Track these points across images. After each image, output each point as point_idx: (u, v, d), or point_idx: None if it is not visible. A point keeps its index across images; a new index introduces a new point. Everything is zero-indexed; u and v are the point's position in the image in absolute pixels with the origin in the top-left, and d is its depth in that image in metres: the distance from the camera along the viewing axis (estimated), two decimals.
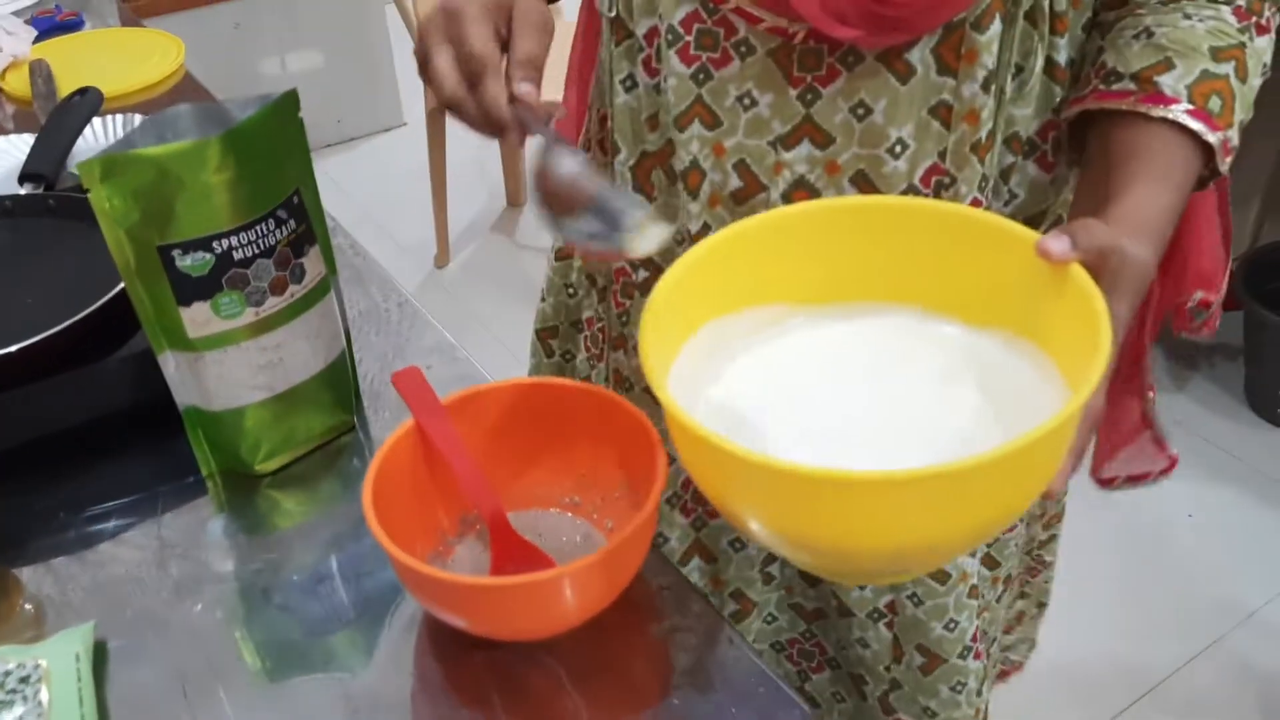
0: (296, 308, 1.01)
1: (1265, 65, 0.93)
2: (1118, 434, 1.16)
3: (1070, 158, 1.01)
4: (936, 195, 0.96)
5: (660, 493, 0.86)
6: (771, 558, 1.23)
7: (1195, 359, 2.83)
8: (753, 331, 0.85)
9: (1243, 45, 0.90)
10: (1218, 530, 2.43)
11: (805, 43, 0.92)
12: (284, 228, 0.98)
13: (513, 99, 0.85)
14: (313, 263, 1.01)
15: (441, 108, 0.90)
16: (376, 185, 3.77)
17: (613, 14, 1.03)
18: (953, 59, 0.91)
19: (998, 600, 1.27)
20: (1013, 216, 0.93)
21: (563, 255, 1.21)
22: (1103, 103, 0.91)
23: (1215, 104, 0.88)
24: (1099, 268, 0.76)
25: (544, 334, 1.25)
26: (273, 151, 0.96)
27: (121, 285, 1.03)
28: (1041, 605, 1.43)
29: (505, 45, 0.88)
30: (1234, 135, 0.90)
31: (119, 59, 1.85)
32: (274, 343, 1.00)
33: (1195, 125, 0.87)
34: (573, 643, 0.88)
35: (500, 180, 3.67)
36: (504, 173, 3.64)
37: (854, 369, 0.83)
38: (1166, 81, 0.88)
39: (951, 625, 1.16)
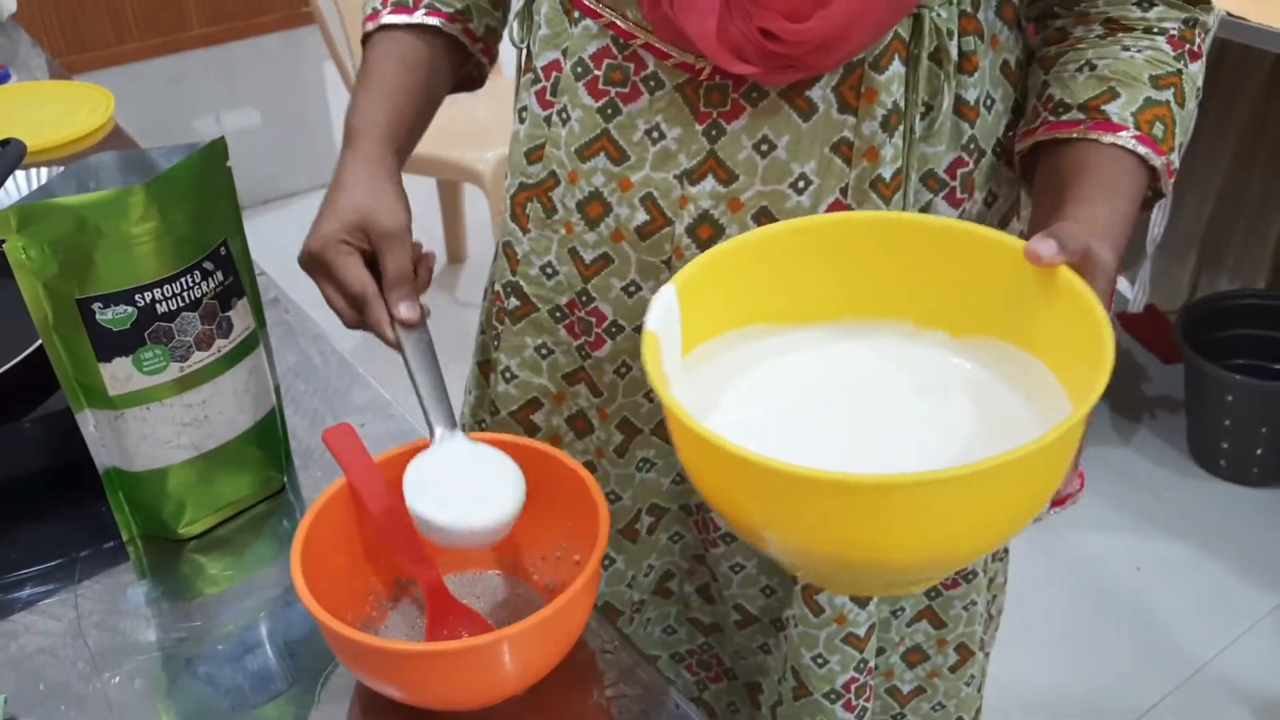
0: (223, 363, 0.97)
1: (1198, 90, 0.98)
2: None
3: (1024, 189, 1.05)
4: None
5: (603, 553, 0.83)
6: (668, 574, 1.23)
7: (1138, 412, 2.84)
8: (743, 356, 0.84)
9: (1179, 72, 0.95)
10: (1166, 583, 2.42)
11: (711, 78, 0.94)
12: (210, 280, 0.94)
13: (393, 320, 0.94)
14: (240, 316, 0.98)
15: None
16: None
17: (524, 45, 1.06)
18: (853, 97, 0.94)
19: (950, 670, 1.24)
20: None
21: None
22: (1054, 133, 0.95)
23: (1159, 130, 0.93)
24: (1080, 269, 0.77)
25: (485, 365, 1.23)
26: (199, 201, 0.93)
27: (38, 342, 0.99)
28: None
29: (374, 261, 0.97)
30: (1175, 159, 0.95)
31: (46, 112, 1.81)
32: (199, 400, 0.97)
33: (1142, 150, 0.92)
34: (511, 711, 0.85)
35: (441, 237, 3.64)
36: (444, 229, 3.61)
37: (846, 390, 0.83)
38: (1113, 110, 0.93)
39: (820, 660, 1.15)
